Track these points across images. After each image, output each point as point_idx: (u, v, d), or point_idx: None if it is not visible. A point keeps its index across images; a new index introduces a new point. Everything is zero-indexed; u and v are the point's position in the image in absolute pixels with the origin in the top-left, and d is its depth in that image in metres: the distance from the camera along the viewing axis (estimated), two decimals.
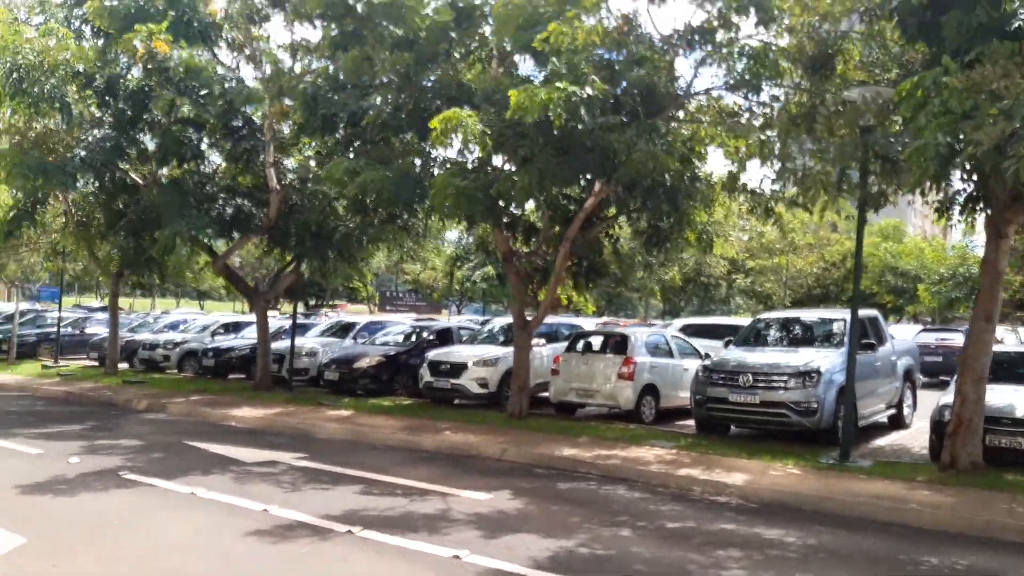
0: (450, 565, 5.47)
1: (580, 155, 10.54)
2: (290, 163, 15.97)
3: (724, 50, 12.22)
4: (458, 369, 13.68)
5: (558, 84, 8.90)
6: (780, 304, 33.41)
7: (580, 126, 9.64)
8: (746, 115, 12.36)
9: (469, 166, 11.35)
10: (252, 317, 17.34)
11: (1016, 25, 7.39)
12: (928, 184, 8.39)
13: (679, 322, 20.63)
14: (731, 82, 12.54)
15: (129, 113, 14.16)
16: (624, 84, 10.65)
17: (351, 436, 11.11)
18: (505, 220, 13.45)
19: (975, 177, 9.38)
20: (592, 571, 5.33)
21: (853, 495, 7.71)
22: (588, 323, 19.95)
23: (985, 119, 6.39)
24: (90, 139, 14.05)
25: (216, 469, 8.65)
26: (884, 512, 7.29)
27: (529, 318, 13.18)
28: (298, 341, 17.03)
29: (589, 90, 9.22)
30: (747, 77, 12.08)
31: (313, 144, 14.85)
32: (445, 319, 26.77)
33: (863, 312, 13.08)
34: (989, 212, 9.26)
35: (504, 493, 7.69)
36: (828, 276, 35.02)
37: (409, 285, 42.80)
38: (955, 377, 9.12)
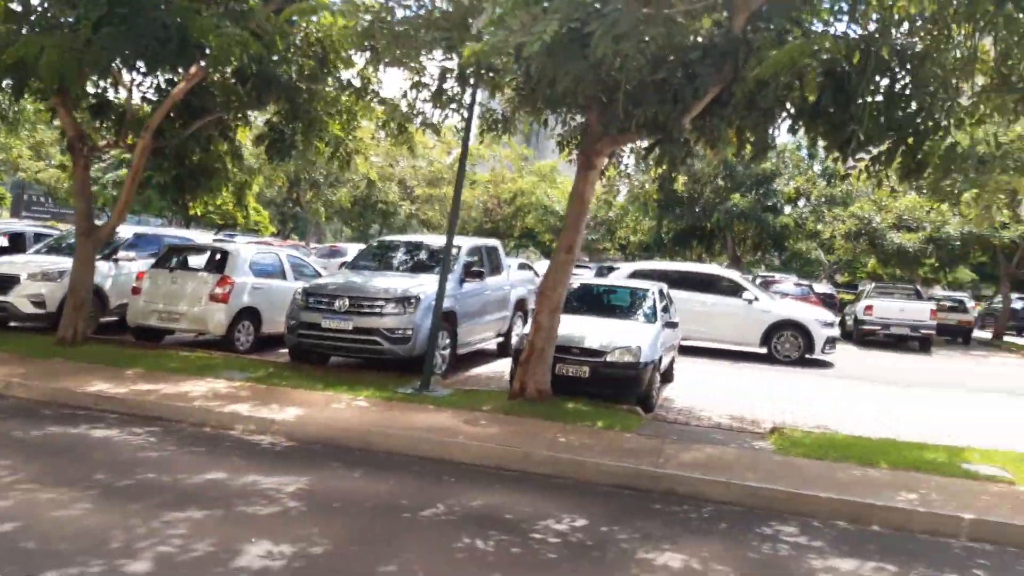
0: None
1: (147, 29, 8.43)
2: None
3: None
4: (7, 283, 10.92)
5: None
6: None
7: None
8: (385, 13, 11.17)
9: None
10: None
11: None
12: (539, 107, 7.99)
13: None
14: None
15: None
16: None
17: None
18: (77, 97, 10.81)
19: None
20: None
21: (406, 428, 7.08)
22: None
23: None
24: None
25: None
26: (430, 447, 6.73)
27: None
28: None
29: None
30: None
31: None
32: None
33: (484, 241, 12.93)
34: (584, 142, 9.18)
35: None
36: (498, 212, 36.28)
37: (42, 187, 35.71)
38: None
